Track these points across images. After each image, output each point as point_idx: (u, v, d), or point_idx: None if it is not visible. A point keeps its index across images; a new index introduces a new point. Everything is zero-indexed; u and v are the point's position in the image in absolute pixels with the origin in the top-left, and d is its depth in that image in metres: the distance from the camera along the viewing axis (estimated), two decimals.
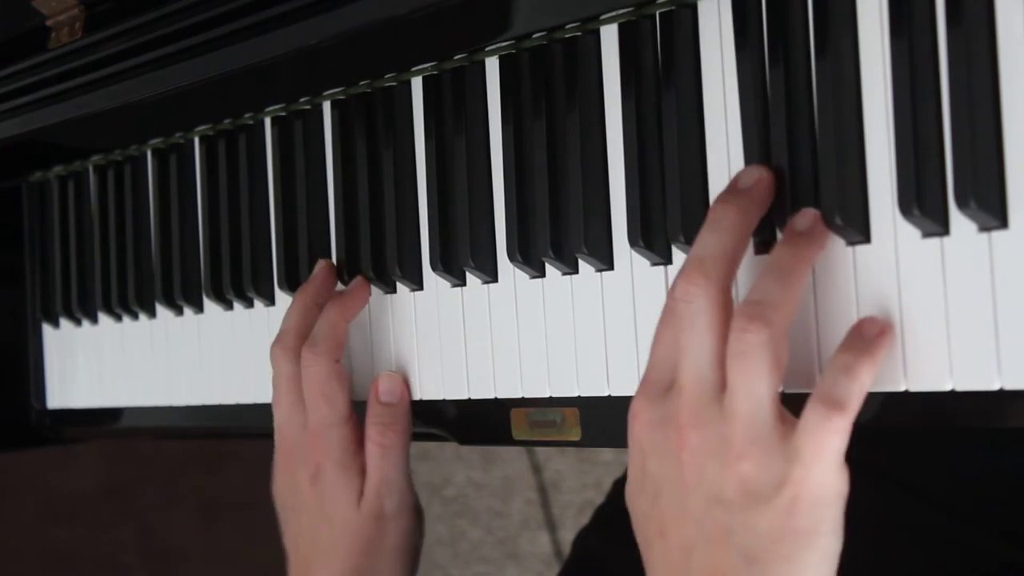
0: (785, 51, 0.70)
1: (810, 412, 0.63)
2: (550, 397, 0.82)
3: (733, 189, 0.69)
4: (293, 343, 0.90)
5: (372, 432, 0.88)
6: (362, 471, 0.88)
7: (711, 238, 0.67)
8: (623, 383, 0.78)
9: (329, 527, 0.88)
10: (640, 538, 0.70)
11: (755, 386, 0.64)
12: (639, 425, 0.69)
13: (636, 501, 0.70)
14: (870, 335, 0.64)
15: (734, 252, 0.67)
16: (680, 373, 0.67)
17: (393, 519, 0.88)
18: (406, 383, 0.89)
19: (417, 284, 0.90)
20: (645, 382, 0.69)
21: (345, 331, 0.90)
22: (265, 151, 1.01)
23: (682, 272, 0.67)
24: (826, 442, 0.63)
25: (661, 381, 0.68)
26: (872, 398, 0.65)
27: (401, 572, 0.89)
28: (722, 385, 0.65)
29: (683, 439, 0.66)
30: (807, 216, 0.67)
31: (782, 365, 0.65)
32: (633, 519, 0.70)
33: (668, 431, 0.67)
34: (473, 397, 0.86)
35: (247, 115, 1.01)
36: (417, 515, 0.90)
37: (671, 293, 0.68)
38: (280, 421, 0.91)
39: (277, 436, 0.92)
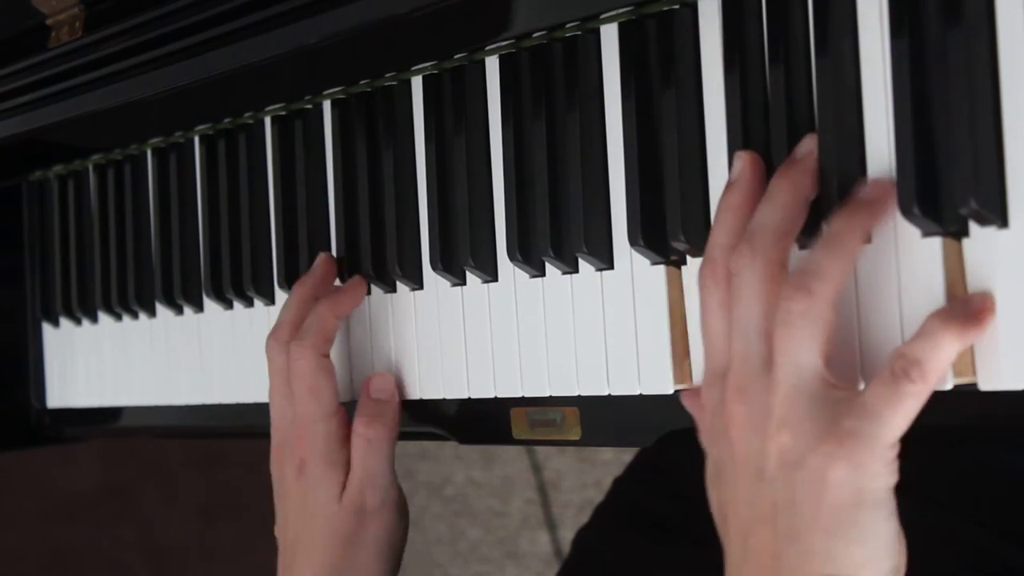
0: (785, 51, 0.70)
1: (892, 361, 0.61)
2: (550, 396, 0.82)
3: (790, 160, 0.68)
4: (288, 336, 0.90)
5: (358, 424, 0.88)
6: (346, 467, 0.88)
7: (763, 211, 0.67)
8: (623, 382, 0.78)
9: (310, 521, 0.89)
10: (719, 530, 0.68)
11: (798, 355, 0.63)
12: (707, 413, 0.68)
13: (712, 493, 0.69)
14: (973, 309, 0.62)
15: (786, 225, 0.66)
16: (732, 348, 0.66)
17: (375, 514, 0.88)
18: (399, 383, 0.90)
19: (417, 283, 0.90)
20: (707, 371, 0.68)
21: (335, 326, 0.90)
22: (265, 150, 1.01)
23: (736, 248, 0.66)
24: (899, 399, 0.61)
25: (719, 365, 0.67)
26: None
27: (382, 567, 0.89)
28: (769, 357, 0.64)
29: (731, 414, 0.65)
30: (875, 187, 0.66)
31: (829, 336, 0.63)
32: (713, 514, 0.69)
33: (723, 411, 0.66)
34: (473, 396, 0.86)
35: (247, 114, 1.01)
36: (400, 511, 0.90)
37: (707, 276, 0.67)
38: (274, 414, 0.92)
39: (272, 429, 0.92)
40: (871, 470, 0.61)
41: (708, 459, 0.69)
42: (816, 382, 0.63)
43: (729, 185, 0.69)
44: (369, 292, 0.93)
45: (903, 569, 0.63)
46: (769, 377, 0.64)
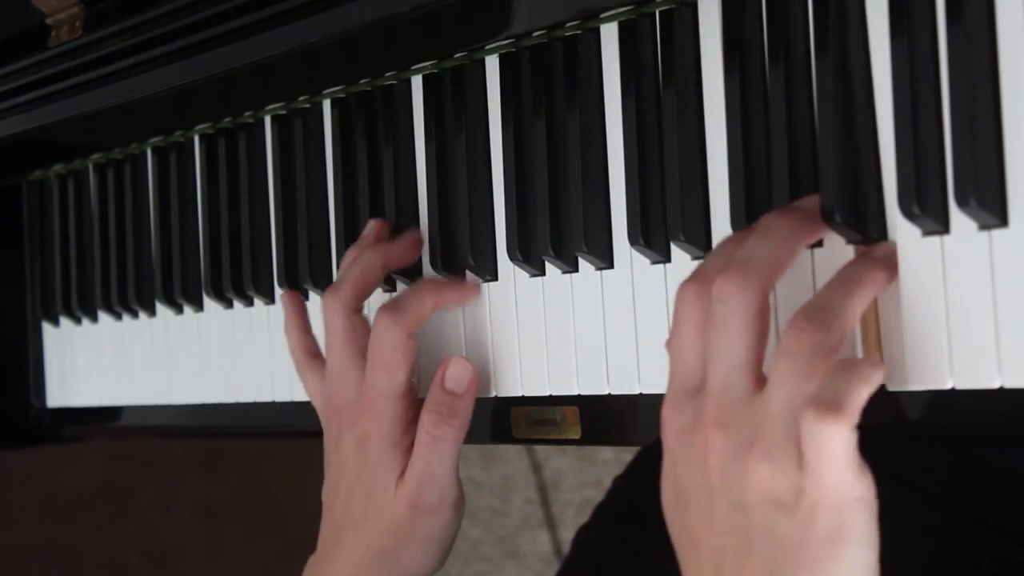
0: (785, 51, 0.70)
1: (802, 418, 0.61)
2: (550, 395, 0.82)
3: (794, 206, 0.68)
4: (350, 300, 0.86)
5: (426, 420, 0.83)
6: (408, 451, 0.84)
7: (757, 242, 0.66)
8: (623, 381, 0.78)
9: (365, 499, 0.85)
10: (677, 549, 0.68)
11: (796, 386, 0.62)
12: (669, 433, 0.67)
13: (671, 513, 0.68)
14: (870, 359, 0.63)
15: (778, 261, 0.65)
16: (709, 376, 0.65)
17: (429, 513, 0.84)
18: (474, 373, 0.84)
19: None
20: (671, 388, 0.67)
21: (429, 315, 0.85)
22: (265, 150, 1.01)
23: (724, 271, 0.65)
24: (827, 448, 0.61)
25: (688, 385, 0.66)
26: (871, 396, 0.65)
27: (430, 561, 0.85)
28: (751, 389, 0.64)
29: (709, 443, 0.64)
30: (887, 247, 0.66)
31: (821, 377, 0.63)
32: (670, 531, 0.69)
33: (695, 436, 0.65)
34: None
35: (247, 113, 1.01)
36: (457, 508, 0.86)
37: (692, 293, 0.67)
38: (333, 375, 0.87)
39: (330, 388, 0.87)
40: (845, 509, 0.62)
41: (667, 480, 0.68)
42: (798, 417, 0.62)
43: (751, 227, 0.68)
44: None
45: None
46: (756, 407, 0.63)
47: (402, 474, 0.84)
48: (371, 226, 0.90)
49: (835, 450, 0.61)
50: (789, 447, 0.62)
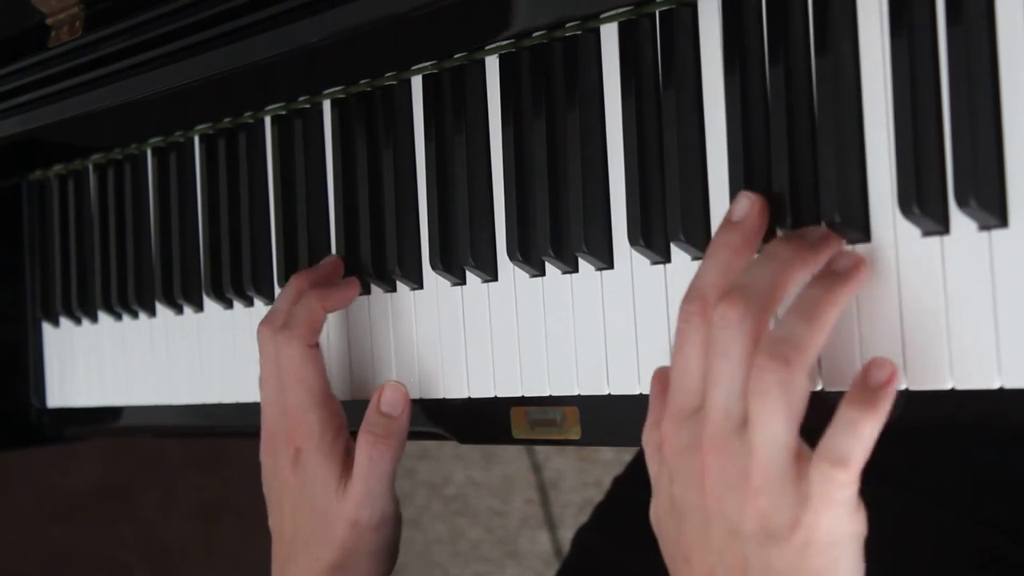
0: (785, 51, 0.70)
1: (815, 470, 0.63)
2: (550, 396, 0.82)
3: (798, 234, 0.68)
4: (280, 325, 0.89)
5: (363, 441, 0.87)
6: (343, 458, 0.87)
7: (761, 268, 0.66)
8: (623, 382, 0.78)
9: (311, 515, 0.88)
10: (667, 559, 0.70)
11: (772, 425, 0.63)
12: (668, 450, 0.68)
13: (664, 525, 0.70)
14: (876, 383, 0.63)
15: (779, 287, 0.65)
16: (708, 400, 0.66)
17: (371, 530, 0.87)
18: (408, 397, 0.88)
19: (417, 283, 0.90)
20: (671, 407, 0.68)
21: (322, 318, 0.89)
22: (265, 150, 1.01)
23: (725, 297, 0.65)
24: (833, 494, 0.63)
25: (688, 405, 0.67)
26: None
27: (379, 570, 0.89)
28: (747, 418, 0.65)
29: (705, 466, 0.66)
30: (848, 258, 0.66)
31: (803, 404, 0.64)
32: (660, 541, 0.71)
33: (693, 457, 0.66)
34: (473, 396, 0.86)
35: (247, 114, 1.01)
36: (396, 520, 0.89)
37: (694, 315, 0.67)
38: (264, 403, 0.90)
39: (262, 418, 0.91)
40: (840, 544, 0.64)
41: (661, 493, 0.69)
42: (788, 451, 0.64)
43: (730, 224, 0.68)
44: (369, 291, 0.93)
45: None
46: (744, 440, 0.64)
47: (341, 480, 0.87)
48: (327, 261, 0.93)
49: (841, 495, 0.63)
50: (784, 483, 0.63)
